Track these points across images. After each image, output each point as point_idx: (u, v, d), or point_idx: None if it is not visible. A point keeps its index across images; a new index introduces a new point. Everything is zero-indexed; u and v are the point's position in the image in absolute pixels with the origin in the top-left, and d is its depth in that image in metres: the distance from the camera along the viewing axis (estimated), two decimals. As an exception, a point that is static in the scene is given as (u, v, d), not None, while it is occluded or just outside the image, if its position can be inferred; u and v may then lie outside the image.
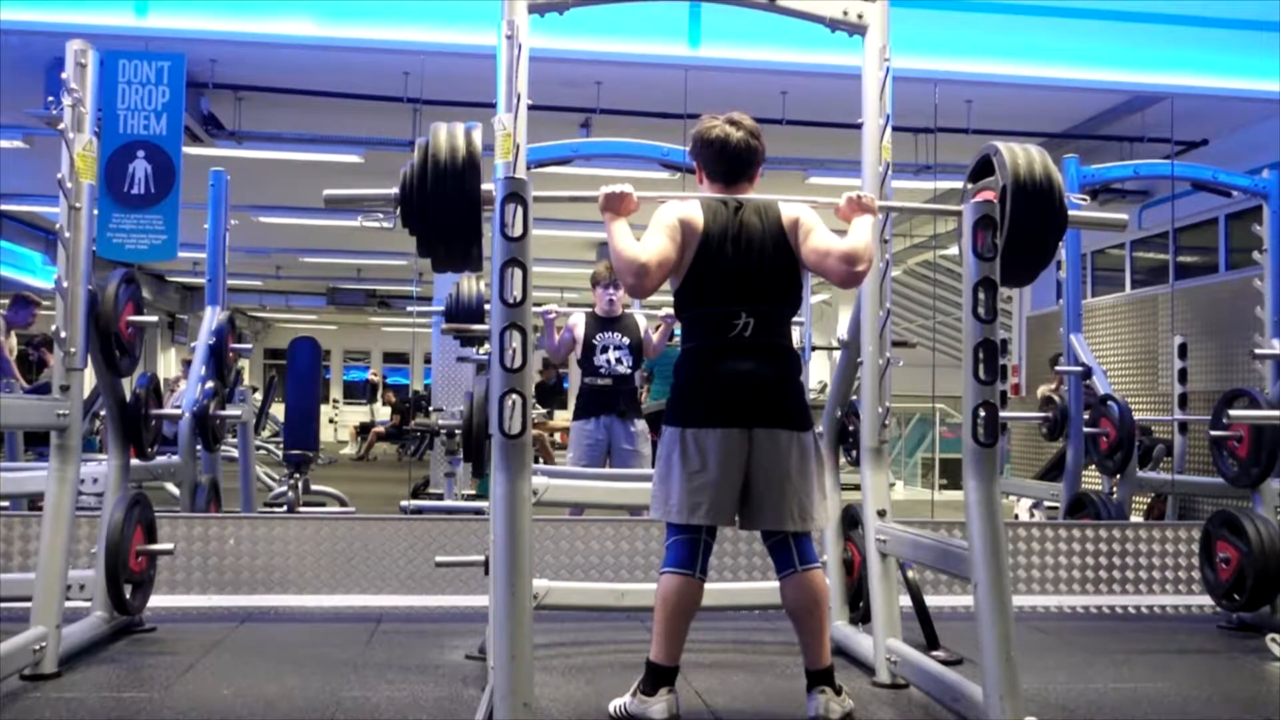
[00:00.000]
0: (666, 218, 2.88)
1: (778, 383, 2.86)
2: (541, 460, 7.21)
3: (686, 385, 2.90)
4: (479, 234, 2.65)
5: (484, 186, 2.67)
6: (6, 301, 7.45)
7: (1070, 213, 3.00)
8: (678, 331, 4.30)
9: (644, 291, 2.88)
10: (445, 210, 2.67)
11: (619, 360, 5.30)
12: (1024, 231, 2.94)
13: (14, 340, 7.32)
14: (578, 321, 5.40)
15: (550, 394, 11.60)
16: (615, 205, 2.88)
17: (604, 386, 5.31)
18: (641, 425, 5.46)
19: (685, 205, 2.92)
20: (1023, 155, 2.98)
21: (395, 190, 2.77)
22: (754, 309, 2.86)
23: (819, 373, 11.07)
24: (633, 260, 2.80)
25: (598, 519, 4.61)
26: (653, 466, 2.99)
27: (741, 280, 2.87)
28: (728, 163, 2.96)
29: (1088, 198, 5.45)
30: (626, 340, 5.31)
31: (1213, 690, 3.44)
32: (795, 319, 3.10)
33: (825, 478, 3.02)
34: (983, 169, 3.18)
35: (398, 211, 2.78)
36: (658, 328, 5.41)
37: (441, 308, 5.94)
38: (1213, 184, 5.83)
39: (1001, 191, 2.88)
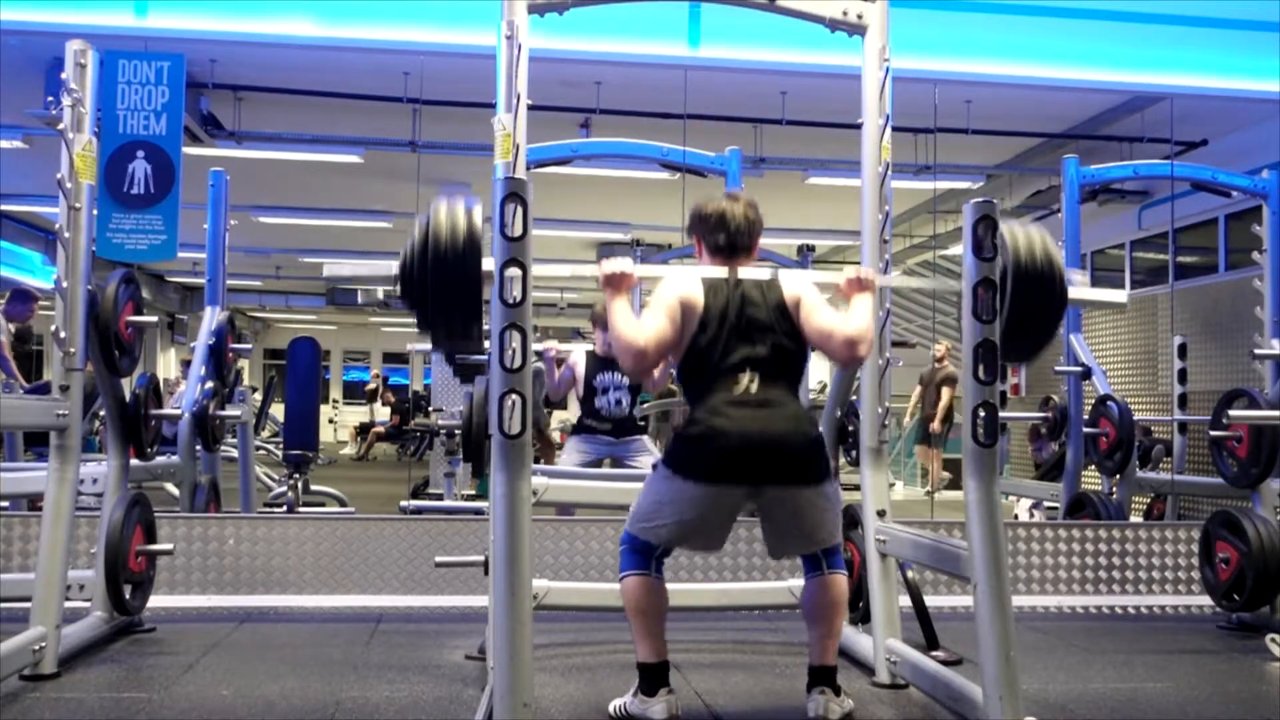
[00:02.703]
0: (666, 297, 2.87)
1: (789, 437, 2.78)
2: (542, 460, 7.21)
3: (690, 437, 2.82)
4: (480, 312, 2.63)
5: (485, 266, 2.63)
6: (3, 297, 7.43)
7: (1070, 293, 2.98)
8: None
9: (642, 373, 2.92)
10: (446, 290, 2.64)
11: (619, 401, 5.32)
12: (1024, 313, 2.90)
13: (9, 336, 7.29)
14: (578, 360, 5.38)
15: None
16: (617, 283, 2.88)
17: (604, 431, 5.34)
18: (641, 439, 5.48)
19: (685, 283, 2.90)
20: (1023, 236, 2.92)
21: (395, 269, 2.74)
22: (757, 367, 2.83)
23: (819, 373, 11.07)
24: (630, 344, 2.79)
25: (598, 519, 4.61)
26: (652, 468, 3.00)
27: (743, 345, 2.84)
28: (728, 235, 2.96)
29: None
30: (626, 380, 5.30)
31: (1213, 690, 3.44)
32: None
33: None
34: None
35: (397, 289, 2.76)
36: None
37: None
38: (1212, 184, 5.83)
39: (1002, 272, 2.86)
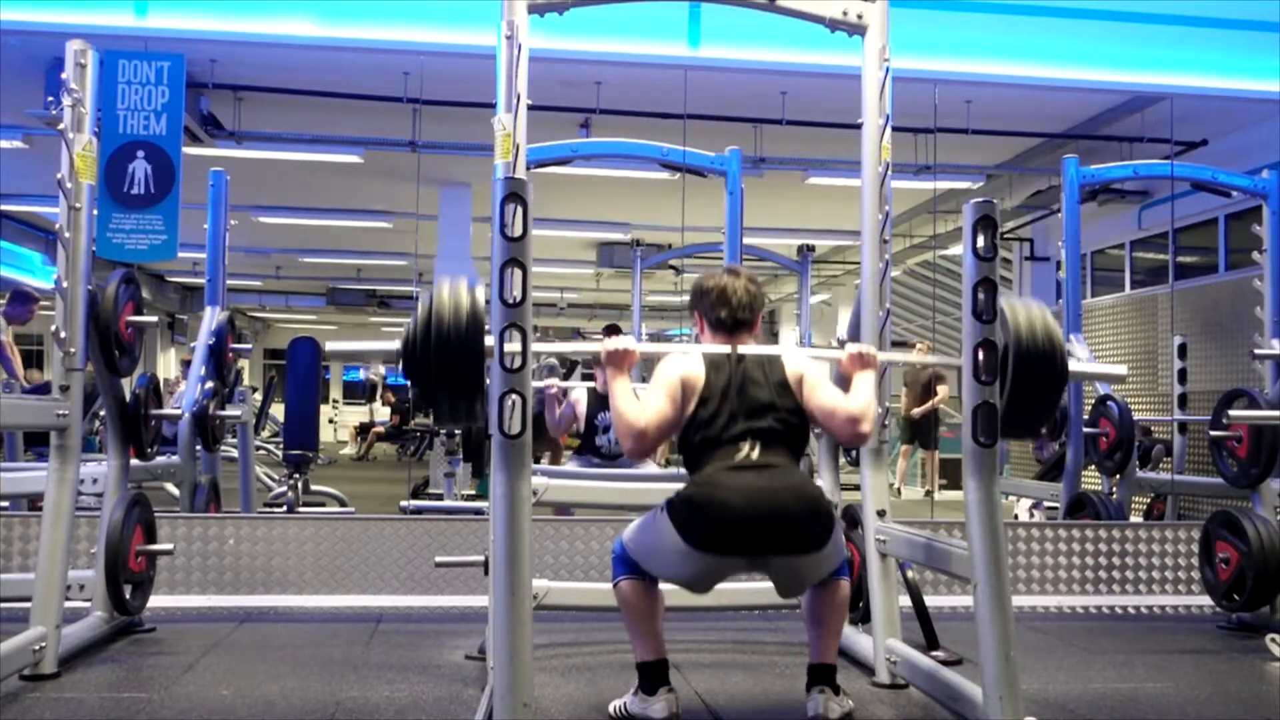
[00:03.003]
0: (668, 376, 2.87)
1: (793, 507, 2.73)
2: (546, 458, 7.21)
3: (693, 502, 2.76)
4: (482, 389, 2.64)
5: (487, 342, 2.63)
6: (4, 299, 7.43)
7: (1071, 368, 2.98)
8: None
9: (642, 453, 2.88)
10: (450, 368, 2.65)
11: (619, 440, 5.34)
12: (1026, 393, 2.89)
13: (10, 336, 7.31)
14: (580, 399, 5.38)
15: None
16: (618, 361, 2.89)
17: (602, 465, 5.38)
18: None
19: (687, 361, 2.91)
20: (1024, 316, 2.90)
21: (398, 345, 2.76)
22: (758, 437, 2.81)
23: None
24: (632, 425, 2.79)
25: (598, 519, 4.60)
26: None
27: (745, 419, 2.82)
28: (729, 311, 2.96)
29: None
30: None
31: (1213, 690, 3.44)
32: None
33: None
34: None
35: (399, 365, 2.77)
36: None
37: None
38: (1212, 184, 5.83)
39: (1003, 351, 2.86)
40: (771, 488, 2.73)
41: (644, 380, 3.67)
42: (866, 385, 2.94)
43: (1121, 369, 3.40)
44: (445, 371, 2.66)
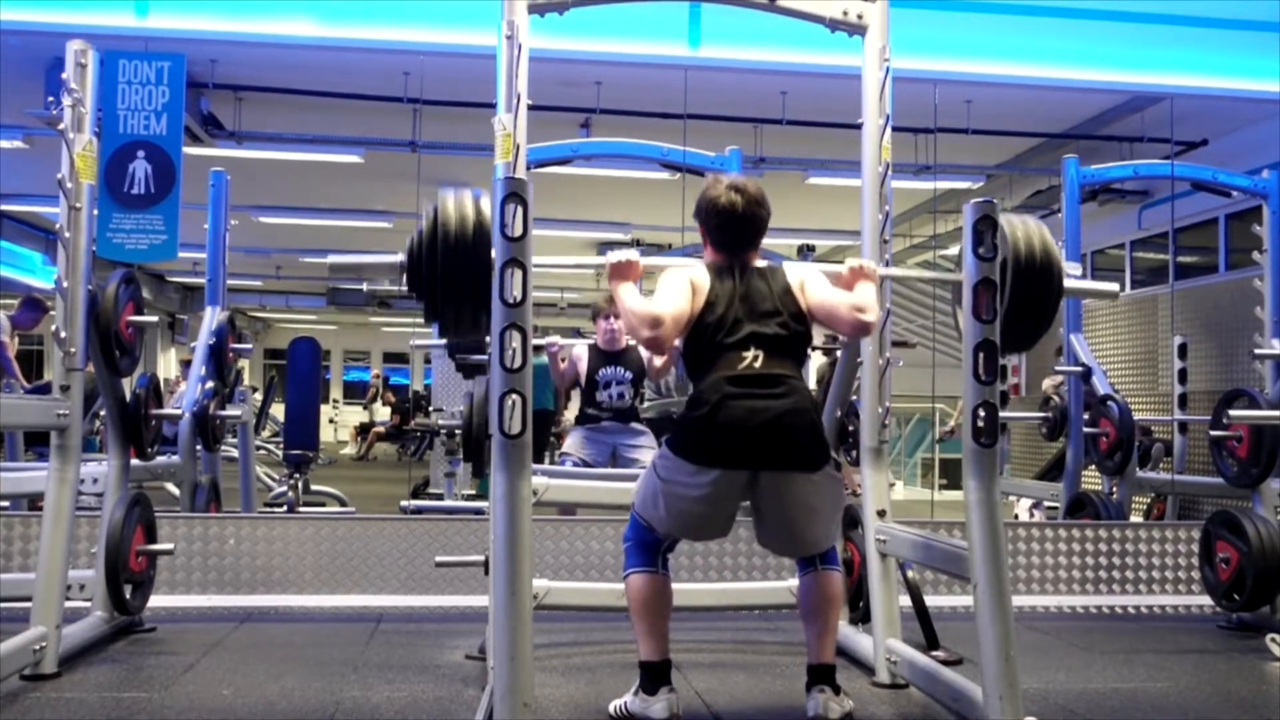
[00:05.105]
0: (676, 276, 2.90)
1: (790, 417, 2.74)
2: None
3: (693, 417, 2.79)
4: (489, 301, 2.62)
5: (492, 253, 2.62)
6: (15, 302, 7.46)
7: (1066, 284, 3.03)
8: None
9: (660, 344, 2.85)
10: (457, 279, 2.64)
11: (620, 395, 5.34)
12: (1024, 305, 2.94)
13: (15, 341, 7.32)
14: (581, 355, 5.38)
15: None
16: (623, 272, 2.92)
17: (604, 419, 5.37)
18: (643, 429, 5.48)
19: (692, 269, 2.93)
20: (1021, 229, 2.95)
21: (401, 257, 2.74)
22: (762, 344, 2.82)
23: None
24: (646, 314, 2.80)
25: (598, 519, 4.61)
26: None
27: (749, 323, 2.84)
28: (734, 231, 2.96)
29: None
30: (629, 374, 5.33)
31: (1213, 690, 3.44)
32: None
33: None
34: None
35: (403, 278, 2.75)
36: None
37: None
38: (1213, 184, 5.83)
39: (1002, 265, 2.88)
40: (770, 395, 2.75)
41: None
42: (867, 288, 2.98)
43: (1114, 286, 3.44)
44: (452, 280, 2.64)
